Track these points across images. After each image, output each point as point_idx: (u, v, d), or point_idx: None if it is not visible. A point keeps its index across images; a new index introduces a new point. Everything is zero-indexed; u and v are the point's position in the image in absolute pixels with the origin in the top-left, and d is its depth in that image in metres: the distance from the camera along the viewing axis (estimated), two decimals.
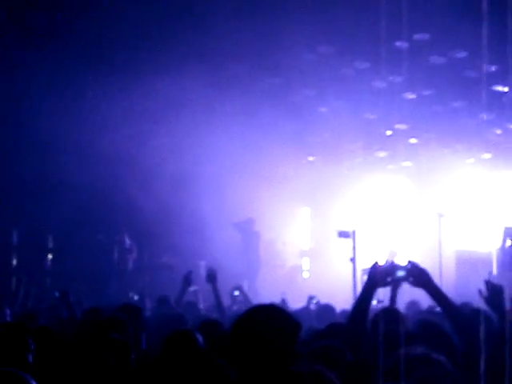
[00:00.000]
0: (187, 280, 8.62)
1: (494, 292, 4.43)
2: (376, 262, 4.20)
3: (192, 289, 9.75)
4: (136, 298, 10.37)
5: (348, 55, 11.64)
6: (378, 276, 4.09)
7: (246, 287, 12.12)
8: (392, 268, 4.08)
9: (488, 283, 4.53)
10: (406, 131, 15.10)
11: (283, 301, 9.43)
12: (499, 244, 14.94)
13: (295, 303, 9.65)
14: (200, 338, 4.65)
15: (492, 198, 17.59)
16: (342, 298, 10.56)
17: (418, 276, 4.04)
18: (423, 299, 6.23)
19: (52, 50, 11.39)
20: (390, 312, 4.67)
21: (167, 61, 11.38)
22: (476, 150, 16.37)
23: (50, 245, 15.90)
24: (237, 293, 9.22)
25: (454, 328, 4.03)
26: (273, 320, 3.00)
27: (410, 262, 4.14)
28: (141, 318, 6.25)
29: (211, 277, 8.50)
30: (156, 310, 8.16)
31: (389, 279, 4.11)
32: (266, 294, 13.90)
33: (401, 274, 4.04)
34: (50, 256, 15.78)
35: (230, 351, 2.97)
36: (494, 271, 14.51)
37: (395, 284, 5.23)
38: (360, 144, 16.84)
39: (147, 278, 15.23)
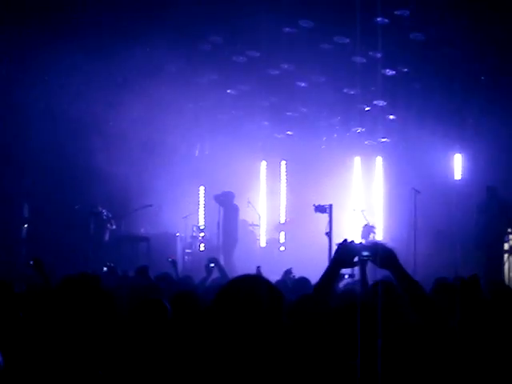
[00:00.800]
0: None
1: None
2: (345, 240, 4.06)
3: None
4: (105, 269, 10.28)
5: (328, 30, 11.63)
6: (344, 256, 3.98)
7: (222, 260, 12.13)
8: (358, 249, 3.95)
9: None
10: (384, 107, 15.15)
11: (258, 272, 9.46)
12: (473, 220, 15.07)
13: (271, 276, 9.68)
14: (169, 307, 4.71)
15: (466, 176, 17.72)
16: (318, 271, 10.62)
17: (383, 258, 3.85)
18: None
19: (29, 20, 11.27)
20: (385, 285, 4.58)
21: (144, 31, 11.31)
22: (452, 129, 16.46)
23: (26, 214, 15.80)
24: (212, 265, 9.23)
25: (417, 314, 3.86)
26: (257, 289, 2.96)
27: (376, 242, 4.05)
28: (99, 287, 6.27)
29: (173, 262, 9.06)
30: (135, 280, 8.20)
31: (355, 260, 4.01)
32: (241, 266, 13.95)
33: (366, 254, 3.95)
34: (25, 226, 15.68)
35: (212, 321, 2.94)
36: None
37: (362, 264, 5.11)
38: (338, 119, 16.88)
39: (124, 250, 15.18)
